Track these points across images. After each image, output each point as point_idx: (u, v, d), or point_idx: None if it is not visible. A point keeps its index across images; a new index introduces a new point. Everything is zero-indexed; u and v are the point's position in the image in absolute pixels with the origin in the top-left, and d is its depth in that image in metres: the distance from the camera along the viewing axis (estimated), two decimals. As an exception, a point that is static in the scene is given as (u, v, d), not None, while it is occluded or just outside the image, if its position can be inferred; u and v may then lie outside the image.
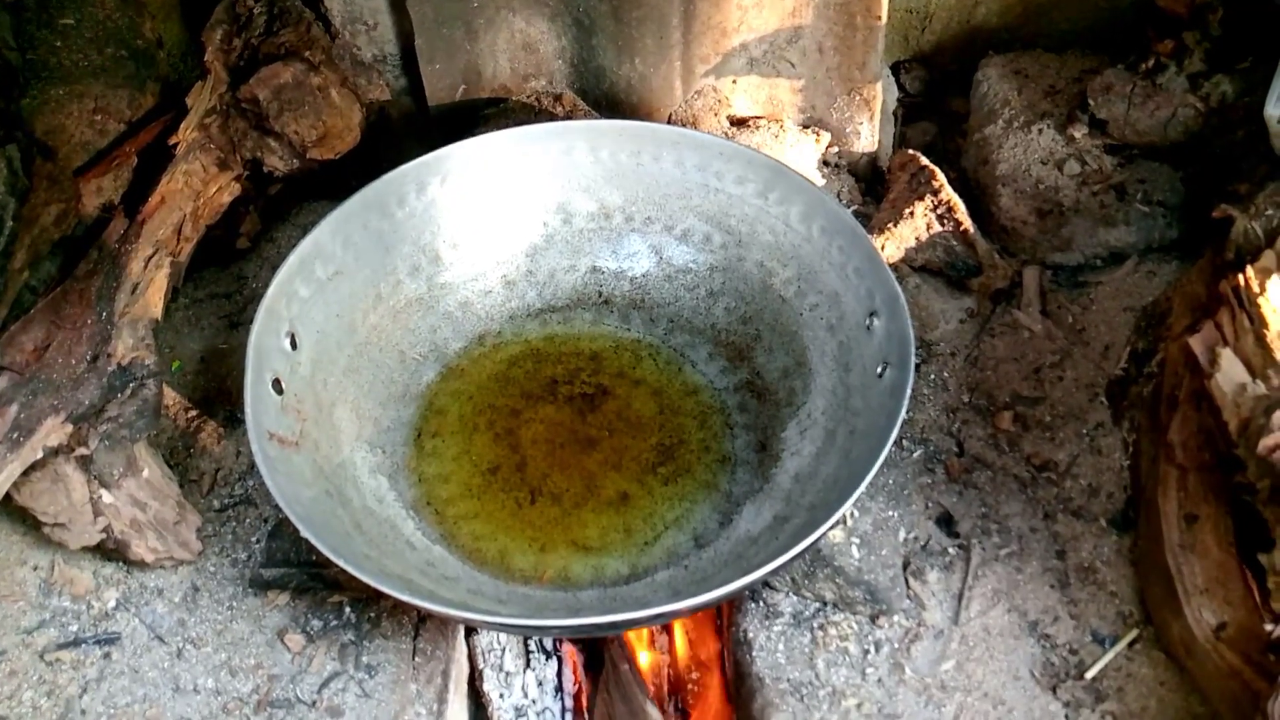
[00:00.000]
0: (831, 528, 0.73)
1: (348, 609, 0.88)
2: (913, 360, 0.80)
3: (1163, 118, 1.07)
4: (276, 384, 0.85)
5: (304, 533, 0.72)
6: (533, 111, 1.20)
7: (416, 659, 0.86)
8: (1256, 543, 0.77)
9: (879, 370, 0.85)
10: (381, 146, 1.21)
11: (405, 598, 0.69)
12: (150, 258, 0.97)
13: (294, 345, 0.89)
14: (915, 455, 0.98)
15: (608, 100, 1.20)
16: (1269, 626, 0.71)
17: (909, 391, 0.78)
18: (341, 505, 0.84)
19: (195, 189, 1.02)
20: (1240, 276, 0.85)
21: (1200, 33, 1.06)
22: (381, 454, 0.92)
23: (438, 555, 0.85)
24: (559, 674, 0.98)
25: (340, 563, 0.70)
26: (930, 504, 0.94)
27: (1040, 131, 1.13)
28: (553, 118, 1.19)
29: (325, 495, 0.83)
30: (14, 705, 0.84)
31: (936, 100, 1.32)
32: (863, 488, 0.73)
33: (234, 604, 0.90)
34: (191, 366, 1.07)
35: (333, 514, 0.82)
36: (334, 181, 1.16)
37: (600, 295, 1.05)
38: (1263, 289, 0.84)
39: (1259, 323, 0.82)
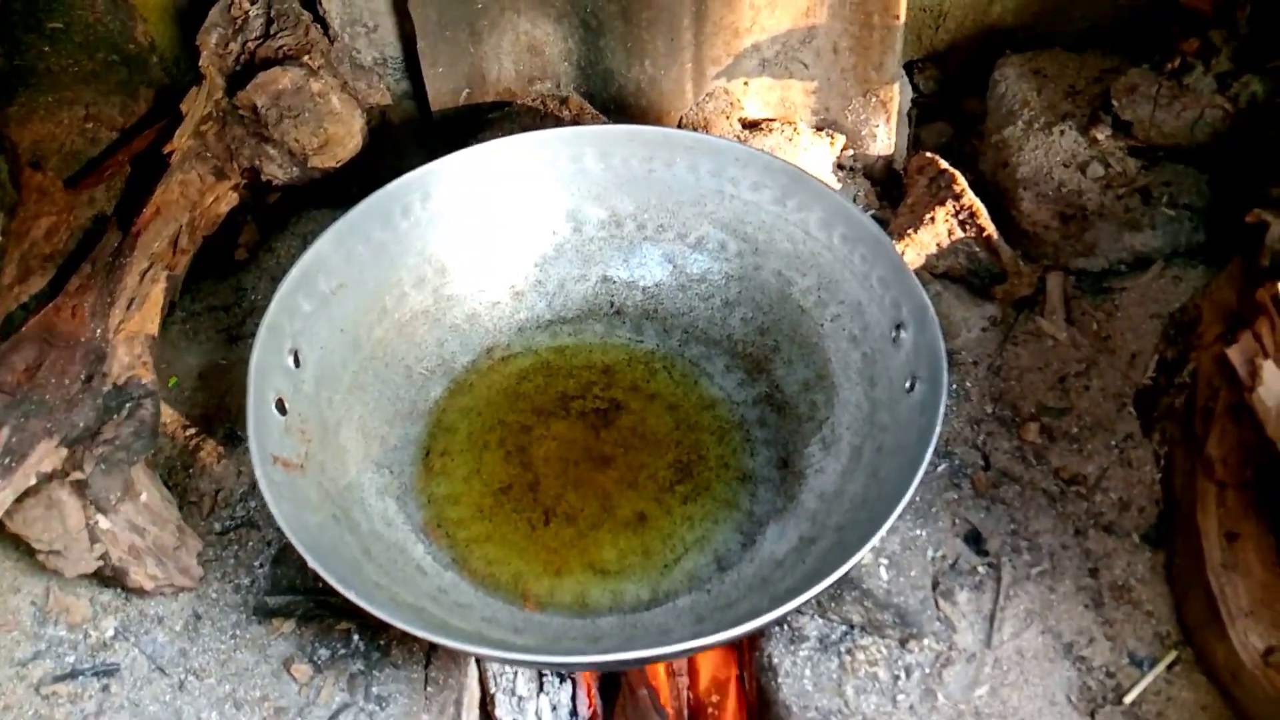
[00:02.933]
0: (865, 554, 0.70)
1: (356, 637, 0.85)
2: (945, 375, 0.77)
3: (1189, 119, 1.04)
4: (280, 404, 0.82)
5: (312, 564, 0.68)
6: (538, 115, 1.17)
7: (429, 688, 0.83)
8: (1304, 563, 0.75)
9: (907, 385, 0.82)
10: (383, 152, 1.18)
11: (420, 633, 0.65)
12: (146, 271, 0.94)
13: (297, 363, 0.85)
14: (940, 469, 0.94)
15: (616, 104, 1.16)
16: (1326, 655, 0.68)
17: (943, 409, 0.75)
18: (349, 530, 0.80)
19: (191, 199, 0.99)
20: (1279, 285, 0.82)
21: (1228, 30, 1.03)
22: (389, 474, 0.89)
23: (449, 581, 0.82)
24: (573, 698, 0.94)
25: (351, 596, 0.67)
26: (958, 520, 0.91)
27: (1062, 133, 1.10)
28: (559, 122, 1.15)
29: (332, 520, 0.80)
30: (8, 742, 0.81)
31: (951, 101, 1.28)
32: (899, 510, 0.70)
33: (237, 632, 0.86)
34: (189, 383, 1.04)
35: (340, 540, 0.78)
36: (334, 189, 1.12)
37: (612, 306, 1.02)
38: (1304, 297, 0.81)
39: (1301, 333, 0.79)
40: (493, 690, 0.92)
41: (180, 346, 1.06)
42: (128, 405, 0.87)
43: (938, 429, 0.74)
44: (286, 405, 0.82)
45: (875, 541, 0.69)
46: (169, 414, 1.00)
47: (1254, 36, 1.02)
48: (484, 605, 0.80)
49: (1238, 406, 0.82)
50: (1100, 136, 1.08)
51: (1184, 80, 1.04)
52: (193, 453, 0.98)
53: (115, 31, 1.09)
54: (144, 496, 0.87)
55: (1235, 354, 0.82)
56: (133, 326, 0.90)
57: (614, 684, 0.95)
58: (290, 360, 0.84)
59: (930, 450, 0.73)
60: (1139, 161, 1.07)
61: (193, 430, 1.00)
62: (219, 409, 1.02)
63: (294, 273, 0.86)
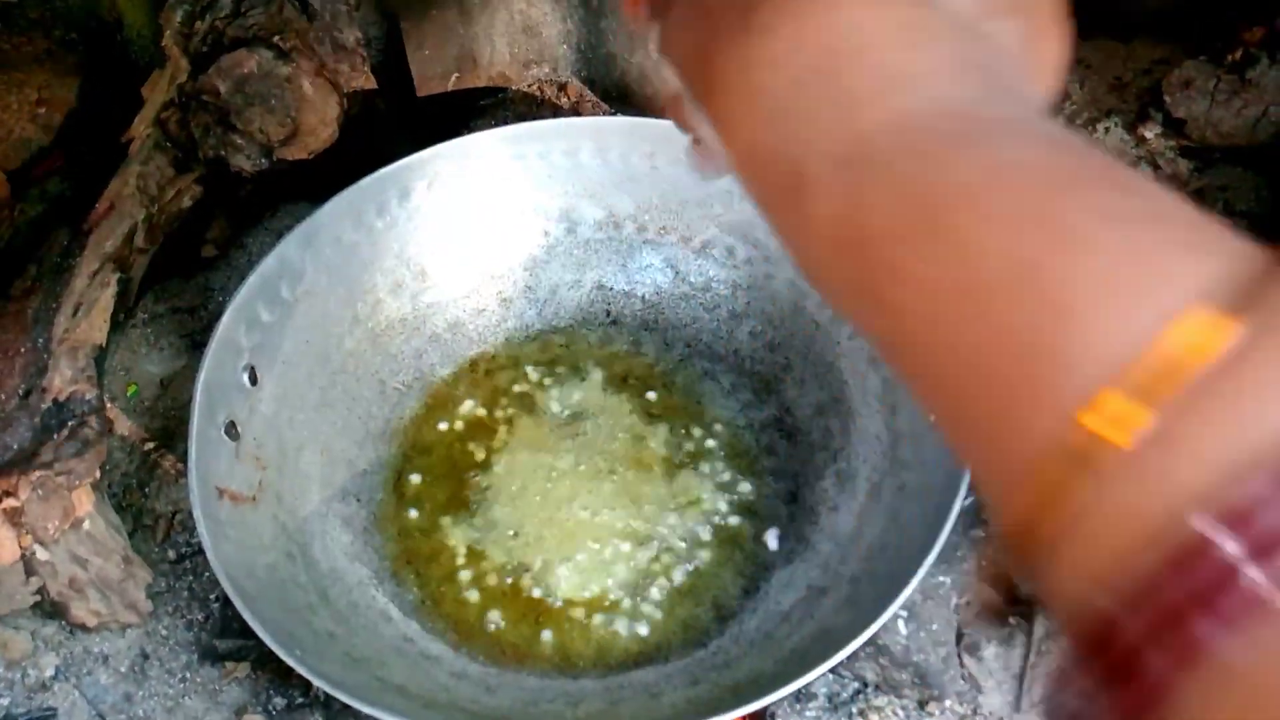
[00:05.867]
0: (885, 620, 0.61)
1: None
2: (976, 412, 0.68)
3: (1251, 117, 0.94)
4: (231, 428, 0.74)
5: (251, 621, 0.60)
6: (535, 102, 1.08)
7: (394, 744, 0.75)
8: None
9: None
10: (368, 139, 1.09)
11: (366, 708, 0.57)
12: (96, 273, 0.85)
13: (254, 380, 0.77)
14: (967, 501, 0.85)
15: (618, 91, 1.07)
16: None
17: (973, 452, 0.66)
18: (305, 570, 0.72)
19: (150, 193, 0.90)
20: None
21: (1297, 19, 0.93)
22: (356, 503, 0.81)
23: (415, 629, 0.74)
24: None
25: (292, 661, 0.59)
26: (985, 561, 0.82)
27: (1107, 130, 1.00)
28: (557, 110, 1.06)
29: (286, 559, 0.72)
30: (-70, 796, 0.73)
31: (984, 91, 1.18)
32: (923, 571, 0.61)
33: (187, 675, 0.79)
34: (149, 392, 0.96)
35: (294, 582, 0.70)
36: (315, 181, 1.03)
37: (608, 315, 0.93)
38: (1387, 327, 0.71)
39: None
40: (472, 734, 0.84)
41: (140, 352, 0.98)
42: (70, 424, 0.79)
43: (968, 477, 0.65)
44: (239, 429, 0.74)
45: (896, 607, 0.61)
46: (126, 426, 0.92)
47: (1327, 26, 0.92)
48: (453, 658, 0.72)
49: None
50: (1149, 135, 0.99)
51: (1246, 74, 0.94)
52: (150, 469, 0.90)
53: (76, 7, 1.01)
54: (87, 524, 0.79)
55: (1306, 389, 0.72)
56: (79, 335, 0.82)
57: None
58: (245, 377, 0.76)
59: (959, 500, 0.64)
60: (1192, 163, 0.98)
61: (152, 444, 0.92)
62: (180, 422, 0.94)
63: (252, 280, 0.78)
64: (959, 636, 0.78)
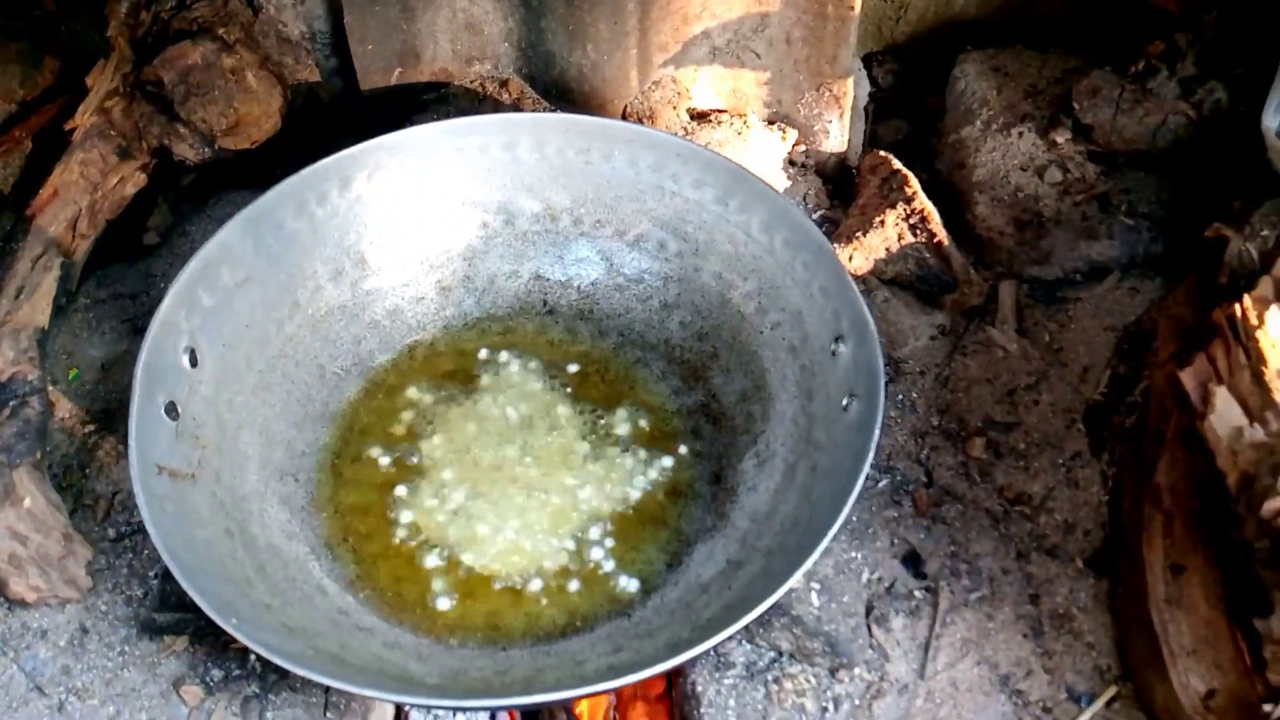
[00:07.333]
0: (789, 587, 0.65)
1: (252, 657, 0.79)
2: (882, 395, 0.72)
3: (1152, 125, 1.00)
4: (171, 408, 0.76)
5: (188, 590, 0.63)
6: (476, 98, 1.11)
7: (329, 714, 0.78)
8: (1250, 602, 0.71)
9: (844, 402, 0.78)
10: (312, 130, 1.11)
11: (301, 671, 0.60)
12: (39, 258, 0.87)
13: (194, 362, 0.79)
14: (881, 485, 0.90)
15: (557, 88, 1.10)
16: (1267, 708, 0.65)
17: (877, 432, 0.71)
18: (243, 546, 0.75)
19: (93, 180, 0.92)
20: (1236, 306, 0.78)
21: (1194, 34, 0.99)
22: (294, 483, 0.83)
23: (350, 603, 0.77)
24: (492, 716, 0.90)
25: (228, 627, 0.61)
26: (896, 540, 0.87)
27: (1020, 135, 1.06)
28: (498, 105, 1.09)
29: (224, 535, 0.74)
30: None
31: (910, 96, 1.23)
32: (825, 543, 0.65)
33: (126, 649, 0.81)
34: (90, 375, 0.97)
35: (231, 557, 0.73)
36: (257, 169, 1.06)
37: (545, 304, 0.97)
38: (1260, 321, 0.77)
39: (1256, 359, 0.75)
40: (408, 709, 0.87)
41: (82, 336, 0.99)
42: (11, 404, 0.81)
43: (870, 455, 0.69)
44: (179, 409, 0.76)
45: (798, 578, 0.65)
46: (67, 408, 0.94)
47: (1220, 41, 0.98)
48: (386, 630, 0.75)
49: (1189, 433, 0.78)
50: (1060, 140, 1.04)
51: (1147, 84, 1.00)
52: (91, 451, 0.92)
53: (20, -6, 1.02)
54: (28, 502, 0.81)
55: (1188, 377, 0.78)
56: (20, 318, 0.84)
57: (534, 703, 0.90)
58: (186, 359, 0.79)
59: (862, 478, 0.69)
60: (1098, 167, 1.03)
61: (92, 427, 0.94)
62: (121, 404, 0.95)
63: (193, 264, 0.80)
64: (868, 609, 0.82)
